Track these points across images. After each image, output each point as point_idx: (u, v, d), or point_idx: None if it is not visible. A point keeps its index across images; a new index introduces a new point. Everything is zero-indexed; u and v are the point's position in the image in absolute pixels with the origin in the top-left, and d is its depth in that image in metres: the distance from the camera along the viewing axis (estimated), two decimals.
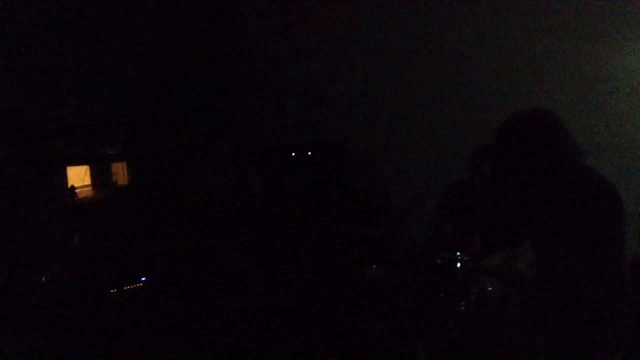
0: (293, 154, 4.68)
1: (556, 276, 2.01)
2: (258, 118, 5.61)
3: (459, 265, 2.77)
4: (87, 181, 4.63)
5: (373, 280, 3.20)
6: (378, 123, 4.64)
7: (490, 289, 2.65)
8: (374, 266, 3.28)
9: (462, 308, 2.64)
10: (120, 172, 4.98)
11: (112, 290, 3.76)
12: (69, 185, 4.23)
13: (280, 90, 5.42)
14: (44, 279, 2.95)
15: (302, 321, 3.61)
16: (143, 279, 3.95)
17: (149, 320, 3.67)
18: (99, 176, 4.74)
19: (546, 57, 3.78)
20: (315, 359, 3.32)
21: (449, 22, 4.26)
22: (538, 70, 3.81)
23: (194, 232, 3.60)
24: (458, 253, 2.80)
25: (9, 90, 4.04)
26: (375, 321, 3.04)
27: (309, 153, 4.66)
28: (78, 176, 4.50)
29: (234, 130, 5.51)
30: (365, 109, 4.75)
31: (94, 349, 3.17)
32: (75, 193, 4.28)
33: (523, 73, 3.88)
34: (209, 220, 3.60)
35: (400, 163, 4.50)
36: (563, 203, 1.93)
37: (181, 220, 3.69)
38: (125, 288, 3.85)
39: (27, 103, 4.12)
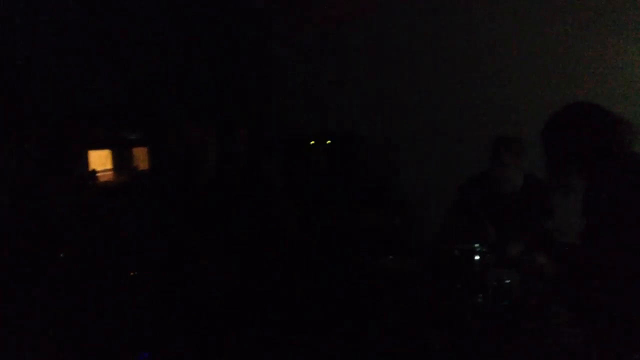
0: (312, 142, 4.68)
1: (592, 265, 1.98)
2: (275, 108, 5.62)
3: (476, 257, 2.76)
4: (109, 165, 4.68)
5: (389, 270, 3.19)
6: (394, 113, 4.63)
7: (508, 281, 2.63)
8: (390, 256, 3.27)
9: (479, 300, 2.63)
10: (141, 157, 5.02)
11: (131, 273, 3.81)
12: (90, 169, 4.29)
13: (298, 80, 5.41)
14: (62, 259, 3.00)
15: (315, 311, 3.62)
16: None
17: (167, 302, 3.71)
18: (120, 161, 4.78)
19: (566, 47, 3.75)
20: (328, 349, 3.33)
21: (467, 13, 4.23)
22: (559, 61, 3.77)
23: (206, 219, 3.61)
24: (476, 245, 2.78)
25: (33, 74, 4.09)
26: (391, 311, 3.03)
27: (328, 142, 4.65)
28: (99, 160, 4.54)
29: (251, 118, 5.52)
30: (382, 99, 4.73)
31: (114, 331, 3.22)
32: (97, 177, 4.34)
33: (543, 64, 3.84)
34: (223, 208, 3.61)
35: (417, 153, 4.48)
36: (616, 191, 1.91)
37: (195, 207, 3.70)
38: (144, 271, 3.89)
39: (50, 88, 4.17)
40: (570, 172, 2.05)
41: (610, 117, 1.99)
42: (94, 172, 4.40)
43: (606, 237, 1.93)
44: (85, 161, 4.40)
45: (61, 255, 2.93)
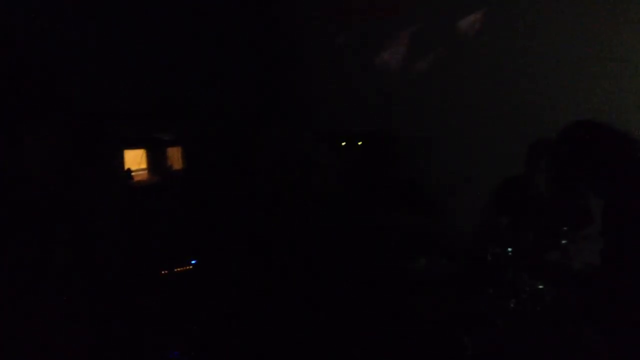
0: (343, 143, 4.66)
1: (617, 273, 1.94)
2: (310, 104, 5.61)
3: (510, 262, 2.71)
4: (143, 165, 4.74)
5: (421, 272, 3.16)
6: (430, 113, 4.58)
7: (542, 287, 2.57)
8: (422, 259, 3.24)
9: (512, 306, 2.58)
10: (175, 156, 5.08)
11: (163, 272, 3.87)
12: (126, 168, 4.37)
13: (334, 78, 5.40)
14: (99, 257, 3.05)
15: (345, 312, 3.61)
16: (193, 262, 4.03)
17: (198, 302, 3.76)
18: (155, 160, 4.85)
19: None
20: (359, 350, 3.31)
21: (506, 16, 4.18)
22: (595, 65, 3.69)
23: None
24: (510, 249, 2.73)
25: (71, 74, 4.17)
26: (422, 314, 3.00)
27: (359, 143, 4.63)
28: (134, 160, 4.61)
29: (285, 115, 5.52)
30: (418, 99, 4.69)
31: (144, 328, 3.27)
32: (132, 176, 4.42)
33: (584, 67, 3.76)
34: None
35: (452, 155, 4.43)
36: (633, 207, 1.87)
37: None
38: (176, 270, 3.95)
39: (88, 88, 4.25)
40: (581, 188, 2.05)
41: (618, 133, 1.96)
42: (129, 170, 4.48)
43: (625, 251, 1.90)
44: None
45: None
